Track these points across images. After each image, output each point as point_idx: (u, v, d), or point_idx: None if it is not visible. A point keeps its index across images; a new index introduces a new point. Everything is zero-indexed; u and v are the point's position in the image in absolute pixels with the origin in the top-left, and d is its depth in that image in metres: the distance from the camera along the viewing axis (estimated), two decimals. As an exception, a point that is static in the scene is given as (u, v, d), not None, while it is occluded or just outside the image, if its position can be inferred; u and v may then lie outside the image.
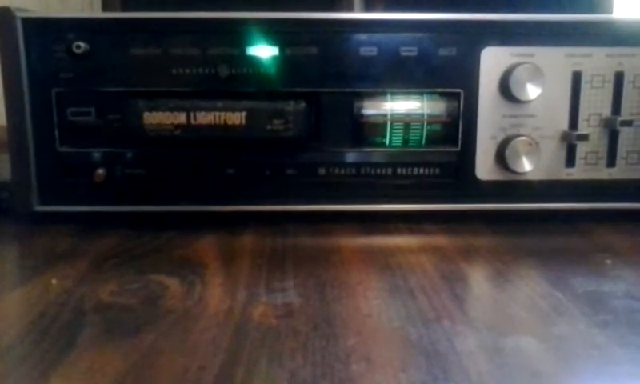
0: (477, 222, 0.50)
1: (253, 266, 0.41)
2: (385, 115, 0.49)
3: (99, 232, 0.48)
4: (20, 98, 0.47)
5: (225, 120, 0.46)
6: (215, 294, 0.36)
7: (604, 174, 0.50)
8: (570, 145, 0.49)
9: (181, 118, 0.46)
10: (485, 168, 0.50)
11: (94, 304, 0.34)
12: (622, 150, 0.50)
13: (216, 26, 0.48)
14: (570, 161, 0.50)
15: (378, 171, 0.50)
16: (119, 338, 0.30)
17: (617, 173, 0.50)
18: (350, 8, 0.89)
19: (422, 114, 0.49)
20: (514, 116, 0.49)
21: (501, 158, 0.49)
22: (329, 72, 0.48)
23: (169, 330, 0.31)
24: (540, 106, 0.49)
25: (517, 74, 0.47)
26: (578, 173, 0.50)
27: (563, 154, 0.50)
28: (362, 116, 0.49)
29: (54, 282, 0.38)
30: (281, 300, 0.35)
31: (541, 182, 0.50)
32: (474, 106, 0.49)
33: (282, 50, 0.48)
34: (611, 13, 0.84)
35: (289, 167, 0.50)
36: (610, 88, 0.49)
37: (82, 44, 0.47)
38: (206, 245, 0.45)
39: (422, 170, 0.50)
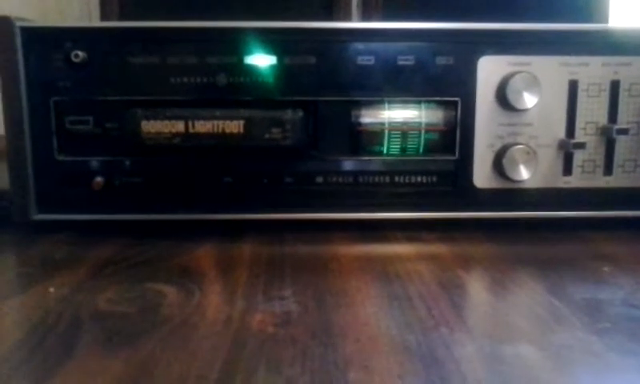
0: (475, 230, 0.50)
1: (251, 275, 0.41)
2: (382, 124, 0.49)
3: (97, 240, 0.48)
4: (18, 106, 0.47)
5: (223, 128, 0.46)
6: (213, 302, 0.36)
7: (601, 182, 0.50)
8: (567, 153, 0.49)
9: (179, 126, 0.46)
10: (482, 176, 0.50)
11: (91, 312, 0.34)
12: (619, 158, 0.50)
13: (214, 35, 0.48)
14: (568, 169, 0.50)
15: (376, 179, 0.50)
16: (117, 346, 0.30)
17: (614, 181, 0.50)
18: (347, 17, 0.89)
19: (420, 123, 0.49)
20: (511, 124, 0.49)
21: (498, 166, 0.49)
22: (326, 81, 0.48)
23: (167, 338, 0.31)
24: (537, 115, 0.49)
25: (514, 82, 0.47)
26: (575, 181, 0.50)
27: (560, 162, 0.50)
28: (360, 124, 0.49)
29: (51, 290, 0.38)
30: (279, 308, 0.35)
31: (538, 190, 0.50)
32: (472, 114, 0.49)
33: (279, 59, 0.48)
34: (607, 22, 0.85)
35: (287, 175, 0.50)
36: (606, 97, 0.49)
37: (80, 53, 0.47)
38: (204, 253, 0.45)
39: (419, 179, 0.50)
